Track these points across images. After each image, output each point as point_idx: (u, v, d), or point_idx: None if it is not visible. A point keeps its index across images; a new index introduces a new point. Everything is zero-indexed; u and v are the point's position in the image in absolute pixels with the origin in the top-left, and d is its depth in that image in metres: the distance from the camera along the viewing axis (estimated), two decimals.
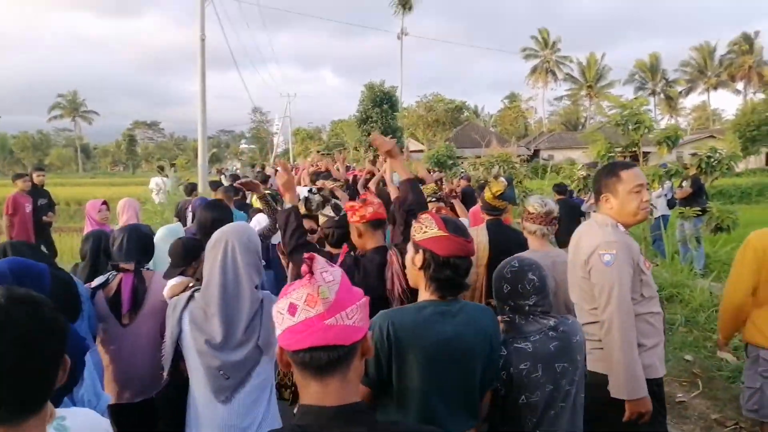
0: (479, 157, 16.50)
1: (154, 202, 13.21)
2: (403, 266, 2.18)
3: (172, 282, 2.56)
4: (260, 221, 5.88)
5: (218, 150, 77.19)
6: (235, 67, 61.51)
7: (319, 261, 1.11)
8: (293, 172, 6.35)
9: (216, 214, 3.25)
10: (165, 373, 2.16)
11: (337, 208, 3.56)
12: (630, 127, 7.73)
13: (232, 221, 2.88)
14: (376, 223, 2.57)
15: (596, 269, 2.25)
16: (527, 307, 1.98)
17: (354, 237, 2.64)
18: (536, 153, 37.44)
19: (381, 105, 26.95)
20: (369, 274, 2.44)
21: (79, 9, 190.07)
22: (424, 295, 1.83)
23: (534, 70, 54.60)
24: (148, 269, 2.83)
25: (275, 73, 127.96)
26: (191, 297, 2.11)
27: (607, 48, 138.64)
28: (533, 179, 15.55)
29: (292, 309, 1.08)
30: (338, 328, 1.07)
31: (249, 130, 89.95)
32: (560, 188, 10.17)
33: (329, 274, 1.10)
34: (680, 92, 53.82)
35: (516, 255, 2.27)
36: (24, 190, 7.81)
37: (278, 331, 1.11)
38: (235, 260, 2.04)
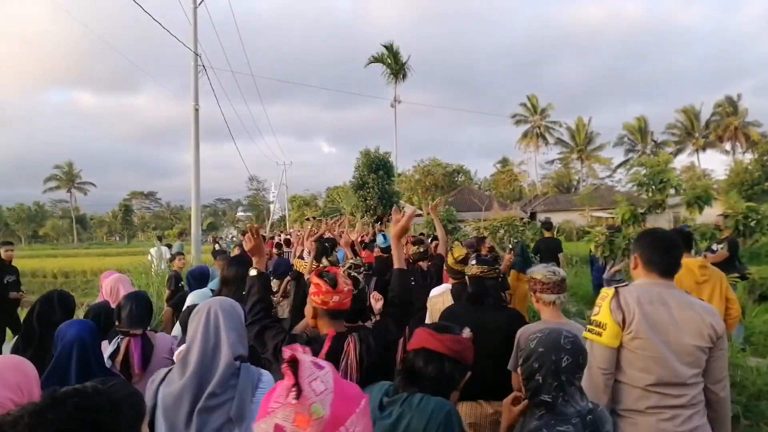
0: (480, 220, 16.16)
1: (150, 273, 12.77)
2: (360, 357, 2.18)
3: (182, 348, 2.71)
4: None
5: (215, 218, 77.21)
6: (230, 138, 63.06)
7: (305, 364, 0.89)
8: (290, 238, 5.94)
9: (241, 270, 3.40)
10: None
11: (355, 282, 2.87)
12: (654, 187, 7.16)
13: None
14: (335, 314, 2.39)
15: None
16: (573, 386, 1.77)
17: (308, 312, 2.46)
18: (533, 215, 37.43)
19: (377, 171, 26.98)
20: None
21: (76, 85, 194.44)
22: None
23: (525, 134, 55.66)
24: (151, 330, 3.04)
25: (271, 142, 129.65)
26: (165, 377, 2.05)
27: (593, 112, 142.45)
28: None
29: None
30: None
31: (245, 198, 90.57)
32: (548, 225, 10.12)
33: (320, 382, 0.90)
34: (669, 154, 54.61)
35: (543, 324, 2.54)
36: None
37: None
38: (217, 326, 2.05)
